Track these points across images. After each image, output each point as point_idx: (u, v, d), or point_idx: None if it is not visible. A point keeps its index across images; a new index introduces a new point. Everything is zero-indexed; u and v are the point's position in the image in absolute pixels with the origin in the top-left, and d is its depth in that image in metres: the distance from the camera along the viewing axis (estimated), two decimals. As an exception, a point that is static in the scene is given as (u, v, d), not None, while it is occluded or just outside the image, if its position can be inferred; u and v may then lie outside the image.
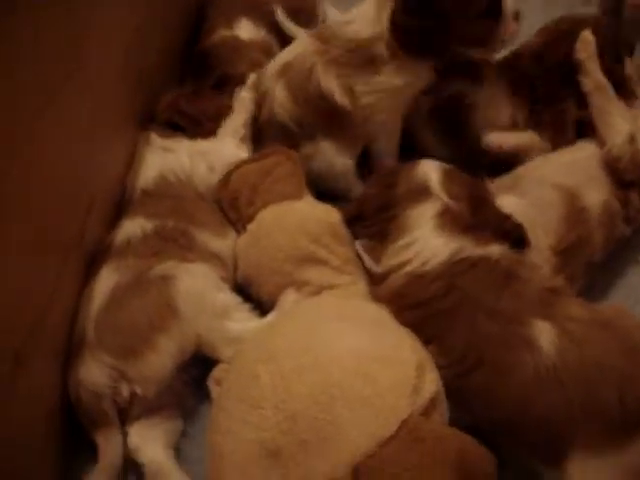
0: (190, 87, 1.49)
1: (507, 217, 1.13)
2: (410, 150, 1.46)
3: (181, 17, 1.70)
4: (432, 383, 0.92)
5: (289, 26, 1.63)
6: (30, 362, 0.93)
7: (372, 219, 1.12)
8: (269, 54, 1.57)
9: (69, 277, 1.08)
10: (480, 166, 1.43)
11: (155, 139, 1.34)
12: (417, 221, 1.08)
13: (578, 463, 0.95)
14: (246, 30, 1.62)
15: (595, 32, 1.39)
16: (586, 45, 1.37)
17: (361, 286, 1.12)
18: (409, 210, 1.09)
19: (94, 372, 1.03)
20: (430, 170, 1.14)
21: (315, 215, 1.17)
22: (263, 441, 0.88)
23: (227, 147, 1.34)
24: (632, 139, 1.33)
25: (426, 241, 1.06)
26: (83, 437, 1.05)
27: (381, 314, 1.01)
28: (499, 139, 1.45)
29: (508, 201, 1.22)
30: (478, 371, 0.99)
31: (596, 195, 1.29)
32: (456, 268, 1.04)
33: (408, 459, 0.84)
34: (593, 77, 1.36)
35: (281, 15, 1.64)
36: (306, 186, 1.24)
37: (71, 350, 1.06)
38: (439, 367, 0.98)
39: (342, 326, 0.96)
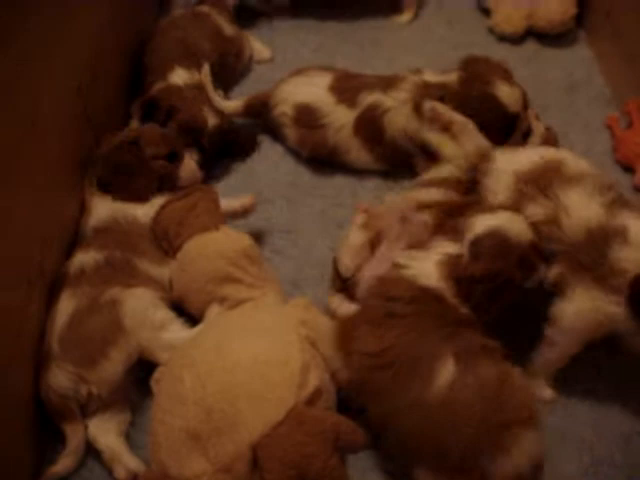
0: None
1: None
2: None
3: (128, 64, 1.87)
4: (315, 379, 1.18)
5: (210, 89, 1.81)
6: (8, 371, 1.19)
7: None
8: (198, 94, 1.77)
9: (35, 304, 1.31)
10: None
11: (100, 194, 1.53)
12: None
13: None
14: (179, 77, 1.81)
15: None
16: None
17: (270, 297, 1.35)
18: None
19: (59, 378, 1.27)
20: None
21: (230, 242, 1.39)
22: (187, 429, 1.13)
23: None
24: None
25: None
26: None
27: (276, 323, 1.26)
28: (437, 106, 1.59)
29: None
30: (385, 371, 1.18)
31: None
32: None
33: (294, 437, 1.10)
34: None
35: (205, 73, 1.81)
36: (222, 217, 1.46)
37: (40, 362, 1.29)
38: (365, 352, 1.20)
39: (244, 336, 1.22)
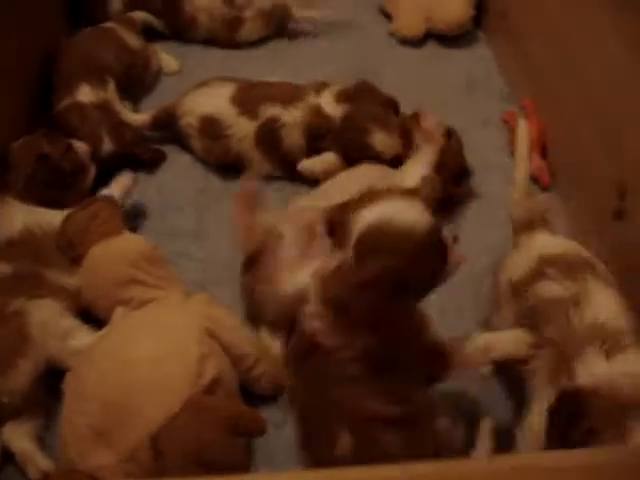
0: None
1: None
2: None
3: (30, 82, 1.90)
4: (213, 368, 1.23)
5: (117, 104, 1.87)
6: None
7: None
8: (109, 111, 1.83)
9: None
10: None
11: (13, 202, 1.57)
12: None
13: None
14: (85, 94, 1.85)
15: None
16: None
17: (173, 296, 1.40)
18: None
19: None
20: None
21: (130, 245, 1.45)
22: (91, 425, 1.18)
23: None
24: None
25: None
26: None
27: (176, 318, 1.32)
28: (310, 166, 1.72)
29: None
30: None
31: None
32: None
33: (192, 426, 1.15)
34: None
35: (111, 91, 1.88)
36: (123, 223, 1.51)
37: None
38: None
39: (144, 332, 1.28)
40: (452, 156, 1.71)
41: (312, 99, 1.75)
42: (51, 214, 1.55)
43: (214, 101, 1.81)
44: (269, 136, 1.76)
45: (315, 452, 1.14)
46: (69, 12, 2.20)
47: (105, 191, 1.58)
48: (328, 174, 1.72)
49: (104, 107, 1.84)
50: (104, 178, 1.70)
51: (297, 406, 1.19)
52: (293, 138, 1.74)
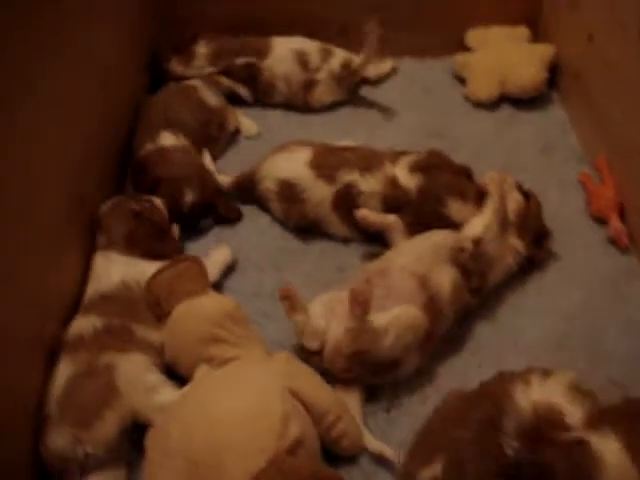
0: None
1: None
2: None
3: (116, 140, 1.97)
4: (296, 429, 1.23)
5: (211, 166, 1.97)
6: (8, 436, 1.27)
7: None
8: (189, 155, 1.91)
9: (35, 369, 1.40)
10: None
11: (116, 256, 1.63)
12: None
13: None
14: (167, 139, 1.93)
15: None
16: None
17: (254, 354, 1.43)
18: None
19: (58, 440, 1.34)
20: None
21: (216, 305, 1.48)
22: (175, 481, 1.21)
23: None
24: (478, 241, 1.58)
25: None
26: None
27: (258, 377, 1.34)
28: (365, 214, 1.71)
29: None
30: None
31: (445, 277, 1.53)
32: None
33: (276, 485, 1.17)
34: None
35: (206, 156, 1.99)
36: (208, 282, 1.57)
37: (39, 424, 1.36)
38: None
39: (227, 390, 1.30)
40: (532, 218, 1.71)
41: (388, 169, 1.77)
42: (149, 265, 1.61)
43: (292, 165, 1.85)
44: (346, 202, 1.78)
45: None
46: (151, 71, 2.31)
47: (208, 265, 1.64)
48: (386, 228, 1.72)
49: (186, 151, 1.92)
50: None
51: None
52: (370, 206, 1.75)
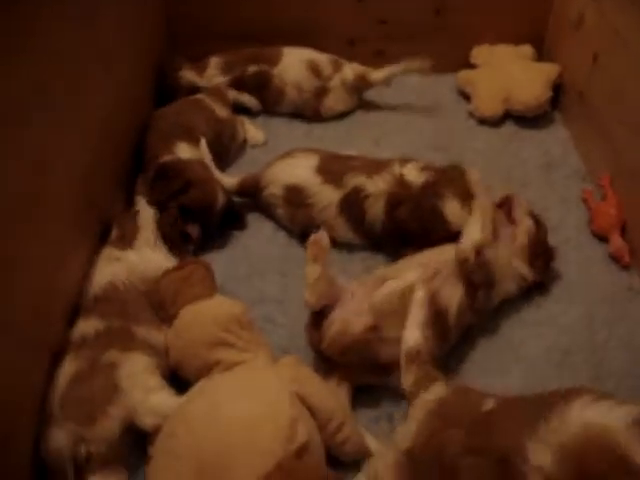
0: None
1: None
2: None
3: (124, 147, 1.97)
4: (304, 433, 1.24)
5: (208, 158, 1.94)
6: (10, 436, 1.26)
7: None
8: (205, 168, 1.90)
9: (39, 370, 1.39)
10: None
11: (110, 251, 1.65)
12: None
13: None
14: (184, 151, 1.94)
15: None
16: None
17: (261, 359, 1.42)
18: None
19: (60, 438, 1.33)
20: None
21: (222, 309, 1.48)
22: (182, 483, 1.20)
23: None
24: (479, 249, 1.55)
25: None
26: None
27: (266, 381, 1.34)
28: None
29: None
30: None
31: (454, 294, 1.53)
32: None
33: (281, 488, 1.17)
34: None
35: (203, 147, 1.95)
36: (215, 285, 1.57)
37: (42, 421, 1.35)
38: None
39: (236, 393, 1.31)
40: (540, 244, 1.71)
41: (396, 169, 1.77)
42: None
43: (299, 171, 1.85)
44: (353, 206, 1.79)
45: None
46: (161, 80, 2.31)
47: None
48: None
49: (201, 164, 1.92)
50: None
51: None
52: (377, 209, 1.76)
